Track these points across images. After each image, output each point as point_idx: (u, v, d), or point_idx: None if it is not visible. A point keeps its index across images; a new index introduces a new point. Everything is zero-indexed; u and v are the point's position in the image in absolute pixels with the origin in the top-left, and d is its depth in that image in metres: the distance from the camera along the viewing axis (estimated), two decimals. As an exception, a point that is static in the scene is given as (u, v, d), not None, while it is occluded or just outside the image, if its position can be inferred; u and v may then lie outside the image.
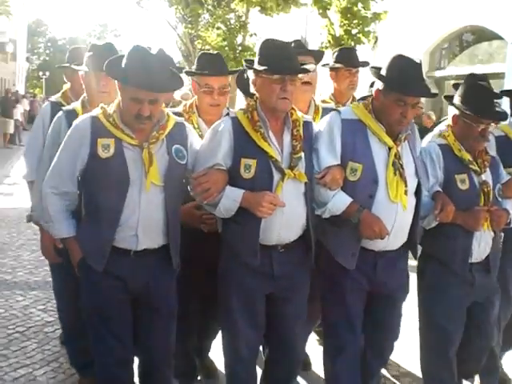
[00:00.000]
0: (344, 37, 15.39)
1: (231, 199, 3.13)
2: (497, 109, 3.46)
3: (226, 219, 3.25)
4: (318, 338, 4.78)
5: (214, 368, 4.24)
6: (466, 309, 3.69)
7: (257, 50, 3.28)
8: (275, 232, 3.20)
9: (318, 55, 4.12)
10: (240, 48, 23.87)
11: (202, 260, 3.44)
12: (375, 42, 17.69)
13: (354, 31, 15.55)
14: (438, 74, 16.13)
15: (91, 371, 3.81)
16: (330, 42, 15.58)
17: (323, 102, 4.36)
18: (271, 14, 20.28)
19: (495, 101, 3.48)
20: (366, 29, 15.61)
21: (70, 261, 3.36)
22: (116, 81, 3.05)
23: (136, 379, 3.45)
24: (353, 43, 15.21)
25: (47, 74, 48.46)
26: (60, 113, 3.71)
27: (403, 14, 15.73)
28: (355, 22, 15.46)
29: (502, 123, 4.12)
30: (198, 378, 4.18)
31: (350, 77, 4.43)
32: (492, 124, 3.65)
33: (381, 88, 3.27)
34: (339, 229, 3.32)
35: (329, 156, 3.27)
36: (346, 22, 15.46)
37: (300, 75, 3.44)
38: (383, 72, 3.27)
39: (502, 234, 3.82)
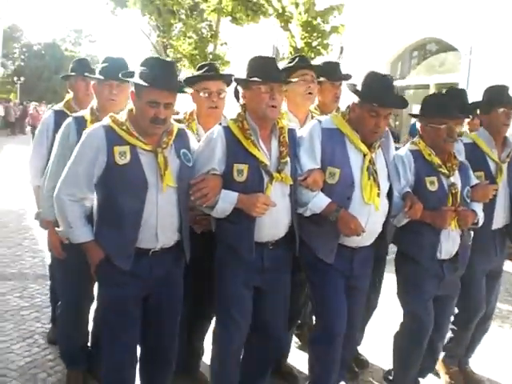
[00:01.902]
0: (305, 49, 15.94)
1: (227, 202, 3.29)
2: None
3: (220, 219, 3.41)
4: (297, 340, 4.84)
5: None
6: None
7: (246, 65, 3.43)
8: (266, 230, 3.38)
9: (317, 69, 4.29)
10: (211, 56, 23.69)
11: (193, 260, 3.52)
12: (341, 52, 18.14)
13: (314, 43, 16.10)
14: (399, 83, 16.49)
15: (78, 366, 4.05)
16: (291, 53, 16.00)
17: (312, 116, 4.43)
18: (241, 24, 20.54)
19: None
20: (325, 41, 16.20)
21: (73, 256, 3.52)
22: (131, 88, 3.18)
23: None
24: (313, 55, 15.76)
25: (22, 79, 47.91)
26: (70, 119, 3.78)
27: (366, 26, 16.11)
28: (315, 34, 16.04)
29: (470, 133, 4.39)
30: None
31: (334, 89, 4.46)
32: (459, 127, 3.87)
33: (356, 102, 3.49)
34: (319, 227, 3.50)
35: (310, 161, 3.46)
36: (307, 34, 16.05)
37: (304, 87, 3.97)
38: (358, 87, 3.49)
39: (472, 233, 3.99)
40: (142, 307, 3.34)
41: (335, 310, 3.58)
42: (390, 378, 4.00)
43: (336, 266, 3.54)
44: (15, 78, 49.62)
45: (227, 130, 3.37)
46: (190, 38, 24.19)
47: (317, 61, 15.43)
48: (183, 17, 26.30)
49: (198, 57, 22.93)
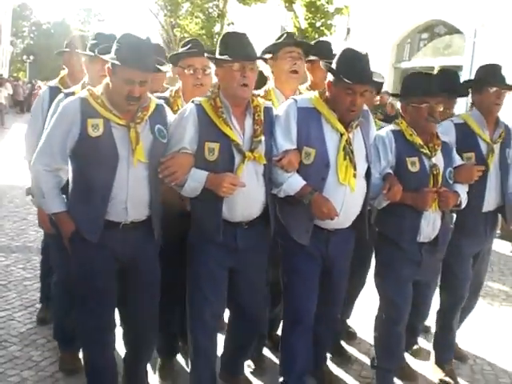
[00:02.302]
0: (308, 29, 15.86)
1: (196, 181, 3.25)
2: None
3: (193, 198, 3.36)
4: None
5: None
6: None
7: (218, 42, 3.39)
8: (239, 210, 3.33)
9: (307, 48, 4.21)
10: (217, 37, 23.41)
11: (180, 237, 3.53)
12: (347, 33, 18.11)
13: (317, 24, 16.02)
14: (404, 65, 16.35)
15: (71, 347, 4.04)
16: (295, 34, 15.96)
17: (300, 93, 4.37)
18: (249, 4, 20.50)
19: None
20: (329, 22, 16.12)
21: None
22: (107, 64, 3.14)
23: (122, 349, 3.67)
24: (317, 35, 15.63)
25: (31, 58, 47.72)
26: (61, 95, 3.77)
27: (373, 9, 16.02)
28: (318, 15, 15.97)
29: (462, 112, 4.27)
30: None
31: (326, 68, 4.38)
32: (440, 106, 3.70)
33: (331, 80, 3.42)
34: (294, 208, 3.44)
35: (285, 141, 3.40)
36: (311, 15, 15.98)
37: (289, 64, 3.87)
38: (333, 65, 3.42)
39: (454, 215, 3.92)
40: (119, 283, 3.34)
41: (300, 297, 3.56)
42: (375, 364, 4.00)
43: (310, 250, 3.50)
44: (24, 57, 49.69)
45: (199, 107, 3.31)
46: (197, 17, 24.27)
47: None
48: (191, -4, 26.34)
49: (204, 36, 22.90)
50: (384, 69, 14.69)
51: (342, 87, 3.33)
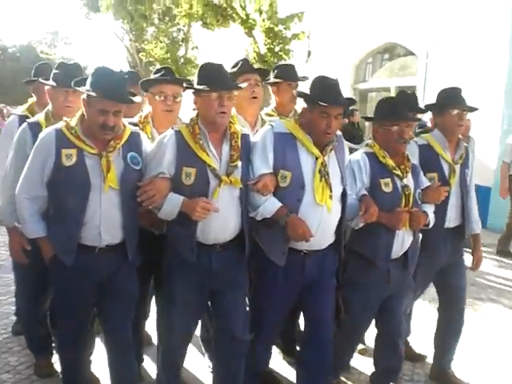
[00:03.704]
0: (267, 54, 16.36)
1: (172, 205, 3.30)
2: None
3: (169, 221, 3.41)
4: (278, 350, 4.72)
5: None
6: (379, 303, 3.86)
7: (196, 73, 3.46)
8: (212, 233, 3.37)
9: (263, 73, 4.43)
10: (182, 60, 24.15)
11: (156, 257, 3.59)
12: (308, 55, 18.61)
13: (276, 49, 16.55)
14: (362, 86, 16.87)
15: (46, 353, 4.29)
16: (255, 58, 16.44)
17: (267, 115, 4.52)
18: (212, 29, 20.83)
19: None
20: (287, 47, 16.67)
21: (33, 263, 3.64)
22: (83, 96, 3.25)
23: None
24: (276, 59, 16.16)
25: None
26: (24, 124, 3.81)
27: (332, 32, 16.57)
28: (277, 41, 16.52)
29: (424, 135, 4.38)
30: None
31: (291, 90, 4.50)
32: (410, 129, 3.89)
33: (306, 106, 3.50)
34: (271, 230, 3.47)
35: (262, 165, 3.45)
36: (269, 41, 16.51)
37: (248, 91, 4.00)
38: (308, 92, 3.52)
39: (420, 235, 3.99)
40: (97, 296, 3.47)
41: (269, 322, 3.69)
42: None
43: (286, 274, 3.52)
44: (-10, 81, 49.22)
45: (178, 134, 3.37)
46: (161, 42, 24.33)
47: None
48: (156, 21, 26.48)
49: (169, 60, 23.02)
50: (344, 89, 15.14)
51: (318, 111, 3.42)
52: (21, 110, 4.53)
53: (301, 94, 3.58)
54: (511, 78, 11.11)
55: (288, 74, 4.58)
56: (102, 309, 3.55)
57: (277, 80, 4.56)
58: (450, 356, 4.47)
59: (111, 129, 3.24)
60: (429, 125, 5.71)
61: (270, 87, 4.70)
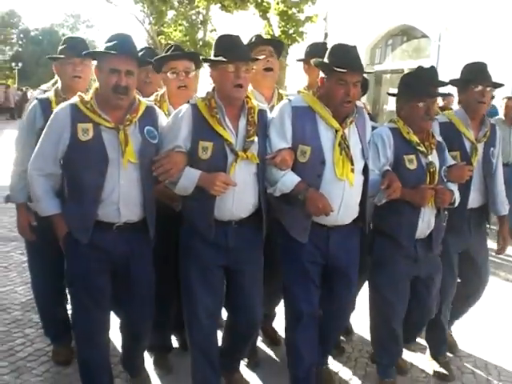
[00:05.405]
0: (281, 36, 16.37)
1: (189, 179, 3.17)
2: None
3: (185, 197, 3.28)
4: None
5: None
6: (410, 283, 3.73)
7: (213, 45, 3.33)
8: (228, 209, 3.25)
9: (277, 45, 4.22)
10: (201, 43, 24.08)
11: (175, 237, 3.47)
12: (325, 38, 18.83)
13: (290, 32, 16.72)
14: (377, 68, 16.88)
15: (64, 341, 4.07)
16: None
17: (299, 93, 4.19)
18: (231, 11, 21.01)
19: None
20: (300, 29, 16.83)
21: (45, 239, 3.49)
22: (94, 63, 3.21)
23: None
24: (289, 42, 16.38)
25: (20, 64, 47.28)
26: (35, 101, 3.74)
27: (348, 14, 16.70)
28: (290, 23, 16.73)
29: (446, 111, 4.17)
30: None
31: None
32: (437, 104, 3.64)
33: (323, 75, 3.35)
34: (291, 206, 3.34)
35: (279, 140, 3.31)
36: (283, 23, 16.71)
37: (262, 62, 3.81)
38: (325, 60, 3.37)
39: (446, 213, 3.80)
40: (112, 283, 3.31)
41: (299, 297, 3.49)
42: (376, 359, 4.02)
43: (309, 248, 3.40)
44: (13, 64, 49.48)
45: (195, 107, 3.25)
46: (180, 25, 24.48)
47: (293, 47, 16.19)
48: (175, 4, 26.37)
49: (188, 43, 23.20)
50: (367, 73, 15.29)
51: (335, 79, 3.27)
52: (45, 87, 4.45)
53: (317, 63, 3.43)
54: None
55: (319, 53, 4.17)
56: (119, 294, 3.38)
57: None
58: (453, 319, 4.40)
59: (124, 90, 3.10)
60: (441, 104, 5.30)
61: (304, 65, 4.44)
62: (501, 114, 8.03)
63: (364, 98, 13.49)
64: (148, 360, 4.02)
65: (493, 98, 4.35)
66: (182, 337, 4.06)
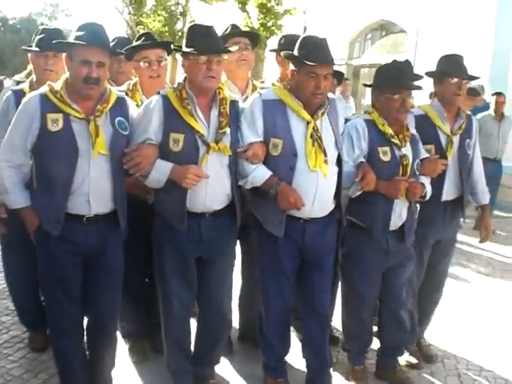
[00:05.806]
0: (260, 29, 16.44)
1: (160, 172, 3.13)
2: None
3: (157, 189, 3.24)
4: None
5: None
6: (382, 274, 3.73)
7: (185, 34, 3.27)
8: (201, 201, 3.21)
9: (253, 37, 4.18)
10: (180, 34, 23.43)
11: (147, 229, 3.44)
12: (304, 31, 18.85)
13: (268, 24, 16.79)
14: (355, 62, 17.00)
15: (39, 328, 4.07)
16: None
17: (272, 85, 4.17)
18: (210, 3, 20.98)
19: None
20: (279, 22, 16.91)
21: (17, 232, 3.44)
22: (64, 54, 3.13)
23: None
24: (268, 34, 16.45)
25: None
26: (9, 92, 3.72)
27: (328, 8, 16.75)
28: (269, 16, 16.78)
29: (422, 104, 4.14)
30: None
31: None
32: (411, 98, 3.69)
33: (294, 68, 3.32)
34: (266, 200, 3.31)
35: (251, 134, 3.28)
36: (262, 16, 16.76)
37: (237, 54, 3.72)
38: (295, 53, 3.32)
39: (418, 206, 3.84)
40: (82, 276, 3.25)
41: (273, 294, 3.51)
42: (346, 347, 4.03)
43: (285, 242, 3.38)
44: (-10, 52, 48.97)
45: (165, 98, 3.19)
46: (159, 15, 24.24)
47: (272, 40, 16.15)
48: (154, -7, 25.96)
49: (167, 34, 22.97)
50: (339, 66, 15.46)
51: (306, 72, 3.24)
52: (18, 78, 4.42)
53: (287, 56, 3.40)
54: (495, 62, 11.41)
55: (293, 45, 4.09)
56: (87, 284, 3.31)
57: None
58: (424, 324, 4.36)
59: (95, 81, 3.01)
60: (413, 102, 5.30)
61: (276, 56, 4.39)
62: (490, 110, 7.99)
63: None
64: (124, 348, 4.05)
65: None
66: (155, 341, 4.04)
